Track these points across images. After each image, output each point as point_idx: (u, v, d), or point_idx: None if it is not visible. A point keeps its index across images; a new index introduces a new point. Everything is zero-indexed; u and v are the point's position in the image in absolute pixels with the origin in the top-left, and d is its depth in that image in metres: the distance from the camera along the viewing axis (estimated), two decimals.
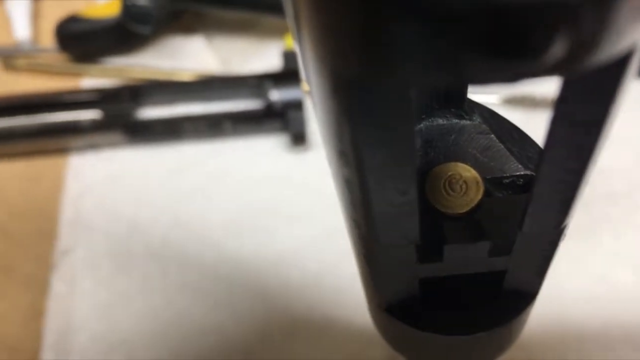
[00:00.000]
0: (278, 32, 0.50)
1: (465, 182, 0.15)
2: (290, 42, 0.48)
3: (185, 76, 0.48)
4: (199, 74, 0.48)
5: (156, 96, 0.45)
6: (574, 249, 0.40)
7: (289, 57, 0.45)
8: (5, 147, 0.45)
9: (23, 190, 0.46)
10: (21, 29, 0.51)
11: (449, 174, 0.16)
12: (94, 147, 0.46)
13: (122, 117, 0.44)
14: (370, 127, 0.11)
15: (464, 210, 0.15)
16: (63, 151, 0.46)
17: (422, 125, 0.16)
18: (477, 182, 0.15)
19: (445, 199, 0.15)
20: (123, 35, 0.48)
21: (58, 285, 0.42)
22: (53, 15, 0.50)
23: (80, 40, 0.49)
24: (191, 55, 0.50)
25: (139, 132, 0.45)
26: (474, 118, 0.17)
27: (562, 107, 0.11)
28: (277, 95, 0.43)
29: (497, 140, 0.16)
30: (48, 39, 0.51)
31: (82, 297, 0.41)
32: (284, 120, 0.44)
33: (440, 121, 0.17)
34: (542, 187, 0.13)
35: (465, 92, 0.16)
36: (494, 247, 0.15)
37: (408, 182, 0.12)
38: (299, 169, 0.45)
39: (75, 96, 0.45)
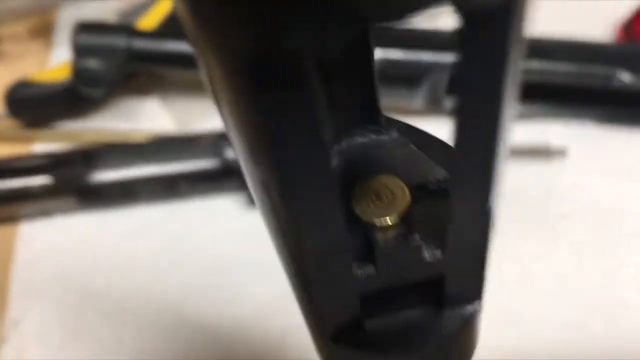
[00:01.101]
0: None
1: (391, 191, 0.16)
2: None
3: (140, 138, 0.47)
4: (155, 135, 0.47)
5: (109, 159, 0.44)
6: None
7: None
8: None
9: None
10: None
11: (375, 186, 0.16)
12: (45, 213, 0.45)
13: (75, 182, 0.43)
14: (284, 125, 0.11)
15: (395, 220, 0.15)
16: (13, 219, 0.45)
17: (342, 145, 0.16)
18: (403, 190, 0.16)
19: (374, 211, 0.16)
20: (75, 99, 0.47)
21: (8, 357, 0.40)
22: (3, 81, 0.50)
23: (31, 105, 0.48)
24: (146, 117, 0.50)
25: (92, 197, 0.44)
26: (392, 132, 0.17)
27: (460, 71, 0.11)
28: (233, 153, 0.43)
29: (417, 150, 0.17)
30: None
31: None
32: (242, 178, 0.43)
33: (360, 139, 0.17)
34: (460, 166, 0.13)
35: (378, 107, 0.17)
36: (426, 247, 0.15)
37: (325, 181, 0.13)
38: (259, 226, 0.44)
39: (25, 162, 0.44)
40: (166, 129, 0.49)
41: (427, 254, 0.15)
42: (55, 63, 0.52)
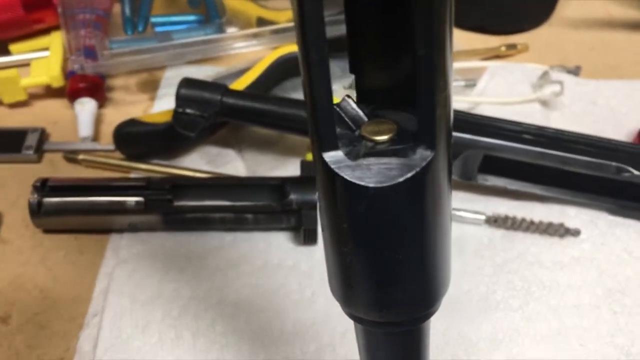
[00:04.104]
0: (300, 150, 0.59)
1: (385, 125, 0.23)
2: (309, 157, 0.57)
3: (218, 177, 0.56)
4: (230, 176, 0.56)
5: (192, 190, 0.53)
6: None
7: (306, 165, 0.53)
8: (59, 221, 0.53)
9: (68, 261, 0.52)
10: (85, 129, 0.60)
11: (377, 122, 0.23)
12: (134, 228, 0.53)
13: (162, 204, 0.52)
14: None
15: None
16: (107, 230, 0.54)
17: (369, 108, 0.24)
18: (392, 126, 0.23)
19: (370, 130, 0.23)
20: (171, 138, 0.56)
21: (84, 344, 0.47)
22: (112, 121, 0.60)
23: (134, 140, 0.58)
24: (224, 162, 0.59)
25: (174, 218, 0.52)
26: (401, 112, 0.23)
27: None
28: (294, 195, 0.51)
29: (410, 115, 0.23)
30: (107, 140, 0.60)
31: (103, 354, 0.46)
32: (298, 217, 0.51)
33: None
34: None
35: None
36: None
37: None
38: (306, 260, 0.52)
39: (123, 182, 0.53)
40: (239, 173, 0.58)
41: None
42: (156, 112, 0.63)
